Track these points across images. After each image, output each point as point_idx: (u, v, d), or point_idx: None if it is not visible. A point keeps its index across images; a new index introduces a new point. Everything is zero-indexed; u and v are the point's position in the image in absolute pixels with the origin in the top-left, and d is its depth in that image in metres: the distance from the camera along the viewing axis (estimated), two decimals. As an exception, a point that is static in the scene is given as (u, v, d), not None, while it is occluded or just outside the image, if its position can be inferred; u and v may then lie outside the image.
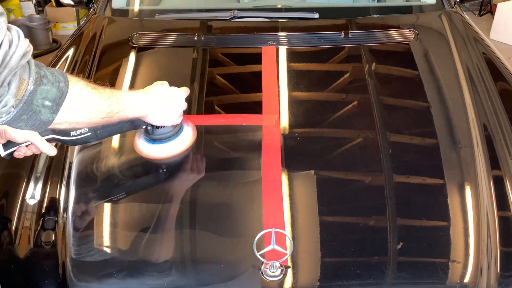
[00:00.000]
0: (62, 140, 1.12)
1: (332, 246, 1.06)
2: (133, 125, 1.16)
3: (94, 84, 0.97)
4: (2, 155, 1.11)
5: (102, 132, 1.12)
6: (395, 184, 1.21)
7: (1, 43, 0.73)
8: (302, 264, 1.03)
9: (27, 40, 0.79)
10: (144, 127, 1.19)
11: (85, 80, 0.95)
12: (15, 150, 1.11)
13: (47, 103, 0.83)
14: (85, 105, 0.93)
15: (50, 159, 1.28)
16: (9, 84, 0.76)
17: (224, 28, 1.88)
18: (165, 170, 1.26)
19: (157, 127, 1.18)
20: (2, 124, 0.82)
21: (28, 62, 0.80)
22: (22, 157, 1.13)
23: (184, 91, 1.20)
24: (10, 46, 0.74)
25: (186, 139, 1.24)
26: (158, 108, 1.12)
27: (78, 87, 0.90)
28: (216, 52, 1.72)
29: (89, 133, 1.11)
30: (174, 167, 1.27)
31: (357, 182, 1.24)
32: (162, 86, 1.16)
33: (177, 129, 1.22)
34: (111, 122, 1.04)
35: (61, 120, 0.89)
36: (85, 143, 1.17)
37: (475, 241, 1.07)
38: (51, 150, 1.12)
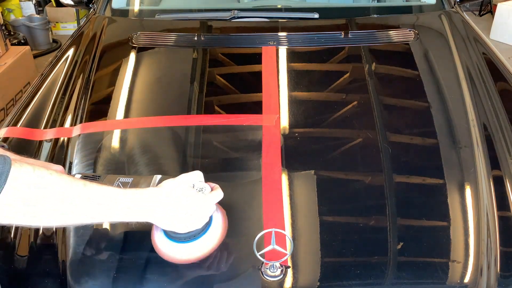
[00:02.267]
0: None
1: (332, 246, 1.06)
2: None
3: (67, 179, 0.79)
4: None
5: None
6: (395, 184, 1.20)
7: None
8: (302, 264, 1.03)
9: None
10: None
11: (48, 175, 0.77)
12: None
13: None
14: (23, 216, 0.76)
15: (50, 159, 1.28)
16: None
17: (224, 28, 1.88)
18: None
19: None
20: None
21: None
22: None
23: (214, 196, 0.93)
24: None
25: (215, 235, 0.98)
26: (165, 215, 0.88)
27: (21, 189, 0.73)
28: (216, 52, 1.72)
29: None
30: None
31: (357, 182, 1.24)
32: (178, 186, 0.89)
33: (204, 225, 0.94)
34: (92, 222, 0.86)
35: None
36: None
37: (475, 241, 1.06)
38: None
